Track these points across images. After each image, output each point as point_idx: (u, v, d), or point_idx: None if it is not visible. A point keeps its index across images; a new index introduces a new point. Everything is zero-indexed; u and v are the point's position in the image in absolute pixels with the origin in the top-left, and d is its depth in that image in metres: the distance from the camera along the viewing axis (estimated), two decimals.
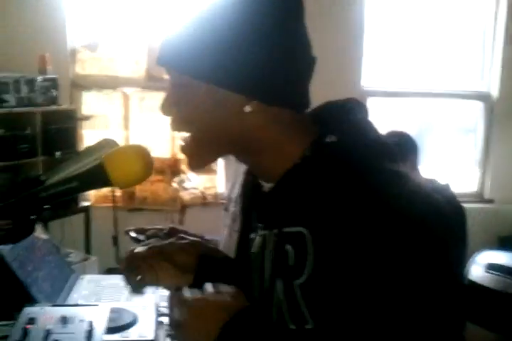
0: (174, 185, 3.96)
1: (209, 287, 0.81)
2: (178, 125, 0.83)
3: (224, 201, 3.84)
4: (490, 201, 4.28)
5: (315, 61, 0.81)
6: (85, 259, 3.19)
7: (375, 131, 0.81)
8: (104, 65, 3.76)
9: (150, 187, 3.90)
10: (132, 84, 3.81)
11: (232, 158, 0.89)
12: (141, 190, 3.88)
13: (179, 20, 0.80)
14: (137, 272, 0.94)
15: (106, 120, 3.82)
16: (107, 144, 1.37)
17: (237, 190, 1.43)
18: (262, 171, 0.86)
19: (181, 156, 4.13)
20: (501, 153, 4.26)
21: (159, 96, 3.84)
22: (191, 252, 0.97)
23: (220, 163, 4.05)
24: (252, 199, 0.93)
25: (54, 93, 3.31)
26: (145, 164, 0.84)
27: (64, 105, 3.42)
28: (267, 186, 0.85)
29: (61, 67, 3.46)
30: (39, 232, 2.02)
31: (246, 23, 0.75)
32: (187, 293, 0.79)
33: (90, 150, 1.44)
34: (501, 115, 4.26)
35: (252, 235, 0.89)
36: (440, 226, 0.70)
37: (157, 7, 3.81)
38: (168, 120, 0.84)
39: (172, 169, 3.93)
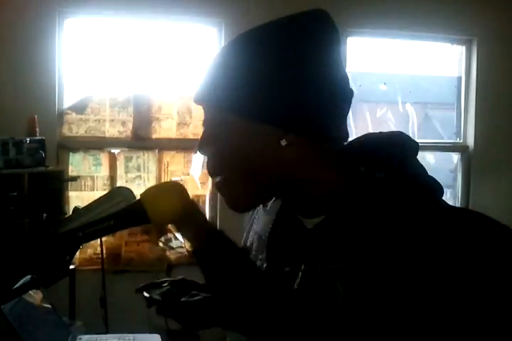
0: (160, 244, 3.92)
1: None
2: (215, 163, 0.83)
3: None
4: None
5: (353, 94, 0.81)
6: (71, 324, 3.09)
7: (421, 167, 0.81)
8: (90, 126, 3.80)
9: (136, 248, 3.85)
10: (119, 145, 3.85)
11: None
12: (126, 251, 3.82)
13: (215, 58, 0.82)
14: None
15: (92, 181, 3.81)
16: (121, 192, 1.38)
17: (251, 237, 1.43)
18: (302, 207, 0.84)
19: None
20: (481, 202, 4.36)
21: (145, 156, 3.88)
22: None
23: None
24: (288, 236, 0.89)
25: (41, 155, 3.31)
26: (182, 199, 0.86)
27: (51, 166, 3.42)
28: (309, 222, 0.83)
29: (48, 129, 3.49)
30: (36, 293, 1.97)
31: (282, 57, 0.76)
32: None
33: (105, 198, 1.44)
34: (478, 165, 4.40)
35: (287, 268, 0.85)
36: None
37: (144, 66, 3.93)
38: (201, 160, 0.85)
39: (158, 228, 3.90)
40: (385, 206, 0.74)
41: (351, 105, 0.82)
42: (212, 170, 0.84)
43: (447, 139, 4.61)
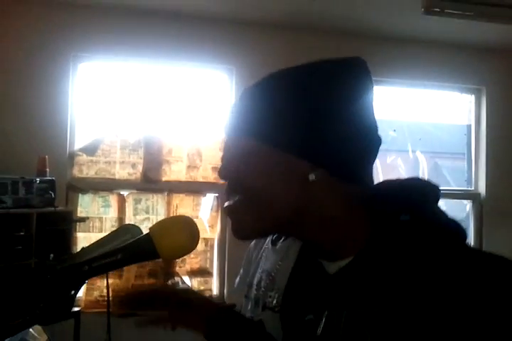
0: None
1: None
2: (234, 190, 0.80)
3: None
4: None
5: (381, 141, 0.81)
6: None
7: (443, 211, 0.79)
8: (101, 168, 3.81)
9: None
10: (128, 187, 3.85)
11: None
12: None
13: (251, 91, 0.81)
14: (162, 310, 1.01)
15: (101, 222, 3.80)
16: (130, 229, 1.36)
17: (258, 275, 1.41)
18: (323, 248, 0.80)
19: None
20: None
21: (154, 199, 3.87)
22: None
23: (214, 264, 4.00)
24: (308, 281, 0.86)
25: (51, 195, 3.31)
26: (192, 234, 0.83)
27: (60, 207, 3.41)
28: (331, 265, 0.79)
29: (59, 169, 3.50)
30: (41, 335, 1.92)
31: (318, 96, 0.75)
32: None
33: (113, 235, 1.41)
34: (490, 212, 4.36)
35: (309, 316, 0.82)
36: None
37: (155, 109, 3.97)
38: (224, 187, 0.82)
39: (165, 271, 3.85)
40: (413, 250, 0.72)
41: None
42: (231, 188, 0.81)
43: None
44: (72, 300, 0.86)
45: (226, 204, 0.82)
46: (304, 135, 0.74)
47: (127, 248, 0.84)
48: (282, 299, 0.95)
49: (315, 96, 0.76)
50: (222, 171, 0.81)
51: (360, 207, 0.78)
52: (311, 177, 0.74)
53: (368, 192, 0.80)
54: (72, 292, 0.85)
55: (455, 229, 0.76)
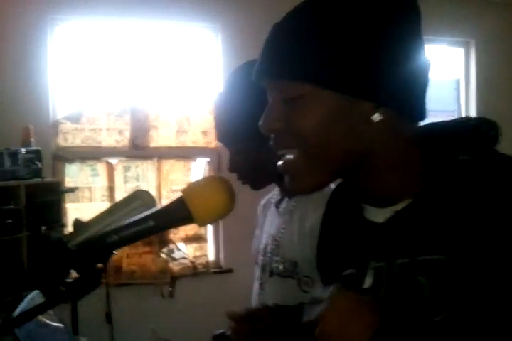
0: (163, 256, 3.80)
1: None
2: (286, 141, 0.71)
3: (214, 268, 3.75)
4: None
5: (430, 65, 0.75)
6: None
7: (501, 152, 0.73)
8: (86, 136, 3.68)
9: (138, 260, 3.73)
10: (116, 154, 3.74)
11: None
12: (128, 263, 3.70)
13: (287, 26, 0.71)
14: None
15: (90, 192, 3.69)
16: (140, 195, 1.28)
17: (264, 239, 1.34)
18: (376, 194, 0.74)
19: None
20: None
21: (144, 166, 3.77)
22: None
23: (209, 230, 3.95)
24: (344, 232, 0.81)
25: (37, 165, 3.19)
26: (228, 195, 0.76)
27: (47, 178, 3.30)
28: (380, 212, 0.73)
29: (43, 139, 3.37)
30: (49, 315, 1.85)
31: (379, 29, 0.68)
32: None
33: (122, 202, 1.33)
34: None
35: (350, 271, 0.77)
36: None
37: (140, 74, 3.83)
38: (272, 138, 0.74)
39: (160, 239, 3.79)
40: (478, 191, 0.66)
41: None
42: (283, 142, 0.73)
43: None
44: (100, 274, 0.79)
45: (280, 162, 0.74)
46: (362, 72, 0.67)
47: (159, 213, 0.77)
48: (317, 253, 0.90)
49: (370, 31, 0.68)
50: (267, 124, 0.72)
51: (417, 148, 0.73)
52: (375, 117, 0.68)
53: (420, 132, 0.75)
54: (101, 264, 0.78)
55: None
